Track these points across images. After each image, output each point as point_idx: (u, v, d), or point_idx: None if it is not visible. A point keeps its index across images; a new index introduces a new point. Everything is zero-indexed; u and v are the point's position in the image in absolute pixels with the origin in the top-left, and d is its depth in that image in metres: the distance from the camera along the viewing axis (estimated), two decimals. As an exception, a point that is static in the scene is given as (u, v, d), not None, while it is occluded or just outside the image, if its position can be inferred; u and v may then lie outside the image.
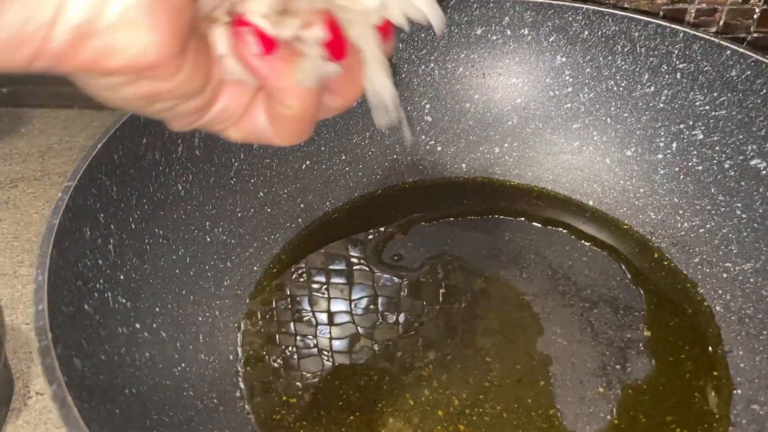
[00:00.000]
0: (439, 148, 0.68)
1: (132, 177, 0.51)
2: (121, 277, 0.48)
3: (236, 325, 0.54)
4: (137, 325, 0.47)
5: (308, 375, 0.51)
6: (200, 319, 0.52)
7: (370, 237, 0.62)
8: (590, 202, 0.65)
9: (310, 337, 0.54)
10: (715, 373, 0.51)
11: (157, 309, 0.50)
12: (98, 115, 0.78)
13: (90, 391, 0.38)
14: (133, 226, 0.50)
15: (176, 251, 0.53)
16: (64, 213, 0.43)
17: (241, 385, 0.51)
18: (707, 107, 0.59)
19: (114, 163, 0.49)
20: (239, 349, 0.53)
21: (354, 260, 0.60)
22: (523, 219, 0.63)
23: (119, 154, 0.50)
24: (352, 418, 0.48)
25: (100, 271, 0.46)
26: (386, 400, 0.49)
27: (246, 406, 0.49)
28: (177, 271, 0.53)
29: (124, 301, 0.47)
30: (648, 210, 0.62)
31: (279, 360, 0.52)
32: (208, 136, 0.57)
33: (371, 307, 0.56)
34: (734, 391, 0.49)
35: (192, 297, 0.53)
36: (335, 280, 0.58)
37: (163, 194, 0.53)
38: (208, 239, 0.56)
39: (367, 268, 0.59)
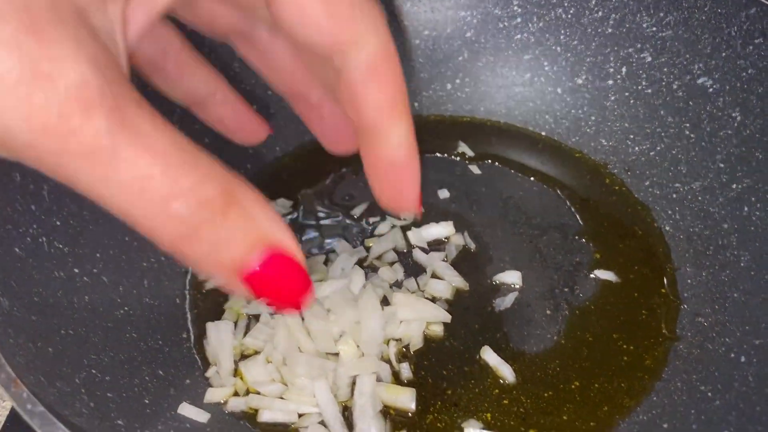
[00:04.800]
0: (390, 88, 0.67)
1: (66, 123, 0.49)
2: (58, 222, 0.47)
3: (184, 270, 0.54)
4: (76, 270, 0.47)
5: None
6: (145, 264, 0.52)
7: (322, 180, 0.61)
8: (543, 133, 0.64)
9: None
10: (663, 290, 0.51)
11: (98, 255, 0.49)
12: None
13: (17, 329, 0.38)
14: (70, 173, 0.49)
15: (118, 198, 0.52)
16: (-12, 156, 0.42)
17: (189, 326, 0.50)
18: (654, 28, 0.58)
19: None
20: (187, 293, 0.52)
21: (306, 203, 0.59)
22: (474, 154, 0.63)
23: (50, 99, 0.48)
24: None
25: (32, 216, 0.45)
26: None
27: (193, 348, 0.49)
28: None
29: (60, 246, 0.46)
30: (600, 137, 0.62)
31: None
32: (146, 84, 0.56)
33: (319, 248, 0.55)
34: (681, 307, 0.49)
35: (136, 243, 0.52)
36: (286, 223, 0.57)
37: (102, 141, 0.52)
38: (152, 186, 0.55)
39: (319, 210, 0.58)
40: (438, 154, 0.63)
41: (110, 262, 0.49)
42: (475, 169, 0.61)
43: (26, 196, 0.45)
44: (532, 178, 0.60)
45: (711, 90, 0.55)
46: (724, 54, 0.54)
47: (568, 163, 0.61)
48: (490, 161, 0.62)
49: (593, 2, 0.61)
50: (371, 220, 0.57)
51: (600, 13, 0.61)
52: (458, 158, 0.62)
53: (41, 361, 0.38)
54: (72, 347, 0.41)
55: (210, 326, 0.48)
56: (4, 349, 0.33)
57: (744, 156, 0.52)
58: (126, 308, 0.48)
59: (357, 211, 0.58)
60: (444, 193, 0.59)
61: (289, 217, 0.58)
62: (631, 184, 0.58)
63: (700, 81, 0.56)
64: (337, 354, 0.46)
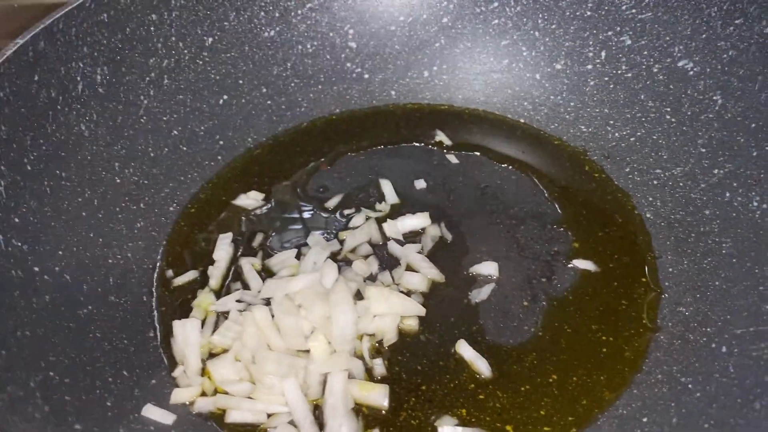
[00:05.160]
0: (366, 76, 0.66)
1: (25, 116, 0.48)
2: (16, 219, 0.45)
3: (151, 266, 0.52)
4: (36, 269, 0.45)
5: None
6: (111, 261, 0.50)
7: (296, 171, 0.59)
8: (522, 121, 0.62)
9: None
10: (643, 279, 0.49)
11: (61, 252, 0.47)
12: None
13: (-34, 332, 0.36)
14: (29, 168, 0.47)
15: (82, 193, 0.51)
16: (-63, 152, 0.41)
17: (156, 325, 0.49)
18: (633, 10, 0.57)
19: (1, 101, 0.46)
20: (154, 290, 0.51)
21: (278, 195, 0.57)
22: (452, 143, 0.61)
23: (6, 91, 0.46)
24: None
25: (-13, 213, 0.43)
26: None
27: (159, 347, 0.47)
28: (83, 213, 0.50)
29: (19, 244, 0.45)
30: (579, 123, 0.60)
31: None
32: (112, 73, 0.54)
33: (291, 242, 0.54)
34: (662, 296, 0.48)
35: (101, 240, 0.50)
36: (257, 218, 0.56)
37: (64, 135, 0.50)
38: (118, 181, 0.53)
39: (292, 203, 0.57)
40: (415, 144, 0.62)
41: (73, 259, 0.48)
42: (452, 159, 0.60)
43: (-19, 193, 0.43)
44: (510, 167, 0.58)
45: (691, 73, 0.54)
46: (704, 36, 0.53)
47: (547, 150, 0.60)
48: (468, 150, 0.60)
49: (571, -16, 0.59)
50: (345, 212, 0.56)
51: (578, -4, 0.59)
52: (435, 147, 0.61)
53: (-8, 364, 0.36)
54: (28, 349, 0.40)
55: (176, 324, 0.47)
56: (-53, 354, 0.32)
57: (725, 140, 0.51)
58: (90, 307, 0.46)
59: (331, 204, 0.56)
60: (421, 184, 0.57)
61: (264, 208, 0.56)
62: (611, 171, 0.57)
63: (680, 64, 0.54)
64: (307, 351, 0.45)
